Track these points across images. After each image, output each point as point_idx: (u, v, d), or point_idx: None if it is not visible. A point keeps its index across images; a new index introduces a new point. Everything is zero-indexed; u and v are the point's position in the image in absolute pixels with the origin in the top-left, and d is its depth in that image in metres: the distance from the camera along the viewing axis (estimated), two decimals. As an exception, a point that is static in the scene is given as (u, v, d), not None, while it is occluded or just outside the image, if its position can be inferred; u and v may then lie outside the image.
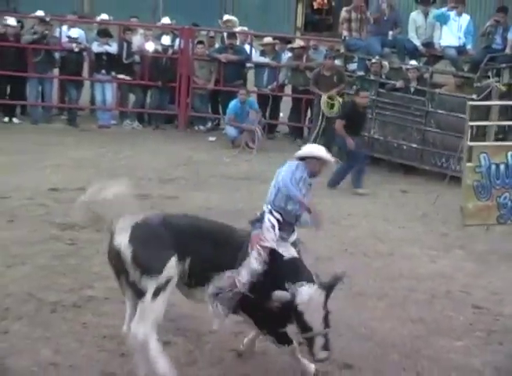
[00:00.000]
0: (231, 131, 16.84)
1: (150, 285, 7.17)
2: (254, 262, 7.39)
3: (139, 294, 7.26)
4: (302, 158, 7.86)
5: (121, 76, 17.68)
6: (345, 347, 8.67)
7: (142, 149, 15.97)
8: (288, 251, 7.68)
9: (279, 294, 7.23)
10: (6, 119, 17.37)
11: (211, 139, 17.30)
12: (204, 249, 7.39)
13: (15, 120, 17.46)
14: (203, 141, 17.10)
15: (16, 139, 15.98)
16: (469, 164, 11.56)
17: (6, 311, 8.97)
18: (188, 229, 7.48)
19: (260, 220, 7.67)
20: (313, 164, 7.78)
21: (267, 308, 7.39)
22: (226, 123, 17.12)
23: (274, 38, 18.32)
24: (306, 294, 7.27)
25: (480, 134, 13.98)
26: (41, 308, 9.13)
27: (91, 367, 7.96)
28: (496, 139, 14.37)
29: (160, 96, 17.91)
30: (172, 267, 7.23)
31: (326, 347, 7.31)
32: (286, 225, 7.74)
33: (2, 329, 8.57)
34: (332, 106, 16.18)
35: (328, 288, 7.45)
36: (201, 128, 17.99)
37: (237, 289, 7.35)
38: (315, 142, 16.03)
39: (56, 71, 17.78)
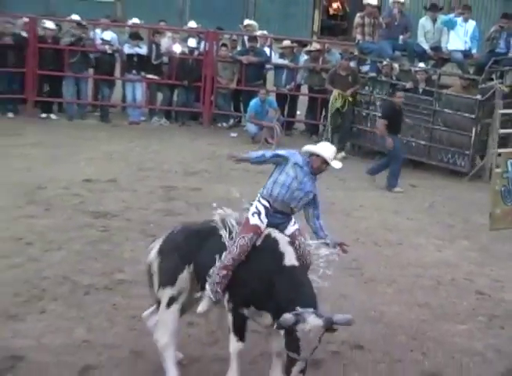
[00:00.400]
0: (251, 127, 16.85)
1: (165, 296, 7.27)
2: (234, 245, 7.12)
3: (158, 302, 7.40)
4: (310, 153, 7.56)
5: (150, 76, 17.71)
6: (356, 329, 8.66)
7: (168, 144, 16.00)
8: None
9: (285, 318, 6.64)
10: (44, 115, 17.44)
11: (233, 135, 17.32)
12: (207, 250, 7.32)
13: (52, 116, 17.52)
14: (225, 137, 17.11)
15: (53, 134, 16.05)
16: (497, 170, 11.25)
17: (43, 292, 9.03)
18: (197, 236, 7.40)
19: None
20: (314, 161, 7.43)
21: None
22: (247, 120, 17.13)
23: (292, 42, 18.29)
24: (311, 324, 6.69)
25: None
26: (75, 290, 9.18)
27: (121, 345, 8.01)
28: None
29: (186, 95, 17.92)
30: (183, 279, 7.25)
31: (303, 372, 6.78)
32: (278, 214, 7.30)
33: (39, 309, 8.64)
34: (338, 102, 16.12)
35: (331, 323, 6.85)
36: (224, 124, 17.99)
37: (223, 271, 7.09)
38: (328, 138, 16.08)
39: (91, 71, 17.83)
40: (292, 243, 7.23)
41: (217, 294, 7.14)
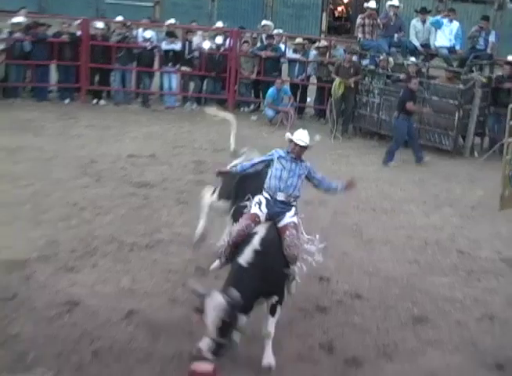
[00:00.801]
0: (269, 112, 16.81)
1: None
2: (233, 229, 7.11)
3: None
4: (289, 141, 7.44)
5: (184, 68, 17.66)
6: (356, 282, 8.72)
7: (199, 125, 15.98)
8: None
9: (193, 285, 6.55)
10: (95, 101, 17.44)
11: (253, 118, 17.26)
12: None
13: (101, 102, 17.51)
14: (247, 120, 17.05)
15: (103, 117, 16.05)
16: (507, 157, 11.04)
17: (94, 249, 9.10)
18: None
19: None
20: (290, 146, 7.33)
21: None
22: (265, 106, 17.08)
23: (304, 39, 18.19)
24: (214, 300, 6.34)
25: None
26: (121, 247, 9.24)
27: (159, 294, 8.07)
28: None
29: (214, 84, 17.88)
30: None
31: (214, 352, 6.06)
32: (279, 203, 7.16)
33: (92, 263, 8.71)
34: (341, 88, 16.02)
35: (234, 307, 6.34)
36: (245, 109, 17.94)
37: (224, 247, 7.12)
38: (333, 121, 16.03)
39: (134, 64, 17.80)
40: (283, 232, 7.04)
41: (222, 260, 7.21)
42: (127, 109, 17.14)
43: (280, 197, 7.18)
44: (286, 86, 17.29)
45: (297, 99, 17.49)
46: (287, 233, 7.05)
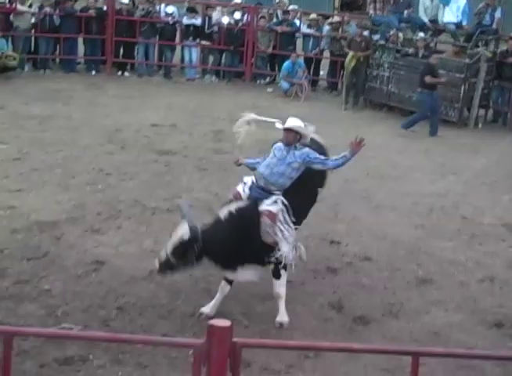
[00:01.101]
0: (284, 84, 16.73)
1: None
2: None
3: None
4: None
5: (204, 42, 17.59)
6: (365, 245, 8.73)
7: (217, 96, 15.93)
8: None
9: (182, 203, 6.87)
10: (119, 73, 17.40)
11: (269, 90, 17.19)
12: None
13: (126, 74, 17.47)
14: (263, 91, 17.01)
15: (127, 88, 16.03)
16: None
17: (119, 212, 9.14)
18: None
19: None
20: (283, 136, 7.04)
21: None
22: (281, 78, 17.00)
23: (318, 15, 18.04)
24: (184, 223, 6.62)
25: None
26: (144, 211, 9.27)
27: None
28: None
29: (232, 57, 17.79)
30: None
31: (161, 266, 6.67)
32: (259, 189, 6.94)
33: (117, 225, 8.75)
34: (353, 62, 15.91)
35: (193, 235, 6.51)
36: (262, 81, 17.87)
37: None
38: (347, 95, 15.94)
39: (157, 38, 17.73)
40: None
41: None
42: (150, 80, 17.10)
43: (260, 182, 6.95)
44: (301, 60, 17.20)
45: (311, 72, 17.40)
46: (261, 220, 6.80)
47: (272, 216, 6.79)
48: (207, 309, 6.95)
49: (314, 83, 17.52)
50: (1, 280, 7.21)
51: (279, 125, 7.13)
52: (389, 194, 10.60)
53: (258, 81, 17.82)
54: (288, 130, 6.99)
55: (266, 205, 6.84)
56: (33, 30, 16.89)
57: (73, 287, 7.21)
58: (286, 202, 6.88)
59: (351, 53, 15.82)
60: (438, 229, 9.44)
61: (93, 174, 10.42)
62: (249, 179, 7.09)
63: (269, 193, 6.92)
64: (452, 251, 8.78)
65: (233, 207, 6.85)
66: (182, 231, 6.57)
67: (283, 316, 6.95)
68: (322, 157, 7.19)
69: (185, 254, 6.54)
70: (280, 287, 6.97)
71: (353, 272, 8.04)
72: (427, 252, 8.67)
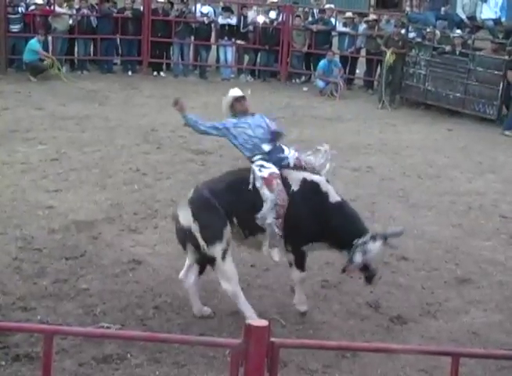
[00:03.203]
0: (320, 83, 16.71)
1: (216, 251, 6.48)
2: (272, 195, 6.48)
3: (211, 259, 6.56)
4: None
5: (239, 41, 17.65)
6: (402, 244, 8.62)
7: (253, 95, 15.83)
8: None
9: (355, 264, 6.47)
10: (155, 73, 17.53)
11: (305, 89, 17.18)
12: (245, 200, 6.54)
13: (162, 74, 17.61)
14: (298, 90, 17.00)
15: (162, 88, 16.12)
16: None
17: (156, 212, 9.16)
18: (229, 191, 6.58)
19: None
20: (234, 108, 6.90)
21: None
22: (316, 77, 16.99)
23: (353, 13, 18.01)
24: (375, 251, 6.48)
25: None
26: (181, 210, 9.26)
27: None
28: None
29: (267, 57, 17.82)
30: (228, 231, 6.51)
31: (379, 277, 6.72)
32: (270, 154, 6.66)
33: (154, 224, 8.78)
34: (392, 58, 15.80)
35: (386, 238, 6.52)
36: (297, 80, 17.88)
37: (278, 220, 6.47)
38: (382, 92, 15.83)
39: (192, 38, 17.80)
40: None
41: (279, 241, 6.60)
42: (185, 80, 17.19)
43: (266, 148, 6.68)
44: (337, 58, 17.17)
45: (347, 70, 17.34)
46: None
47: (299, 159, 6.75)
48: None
49: (349, 82, 17.48)
50: (40, 279, 7.29)
51: (235, 93, 6.97)
52: (426, 193, 10.51)
53: (294, 80, 17.83)
54: (243, 97, 6.94)
55: (291, 156, 6.73)
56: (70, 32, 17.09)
57: (111, 287, 7.25)
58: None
59: (390, 50, 15.72)
60: (477, 229, 9.33)
61: (130, 174, 10.48)
62: (257, 163, 6.63)
63: (278, 146, 6.78)
64: (491, 251, 8.66)
65: (335, 194, 6.64)
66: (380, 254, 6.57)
67: (298, 303, 6.90)
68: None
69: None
70: (294, 273, 6.80)
71: (390, 271, 7.96)
72: (466, 252, 8.57)
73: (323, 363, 6.13)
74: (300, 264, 6.78)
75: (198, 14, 17.59)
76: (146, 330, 6.41)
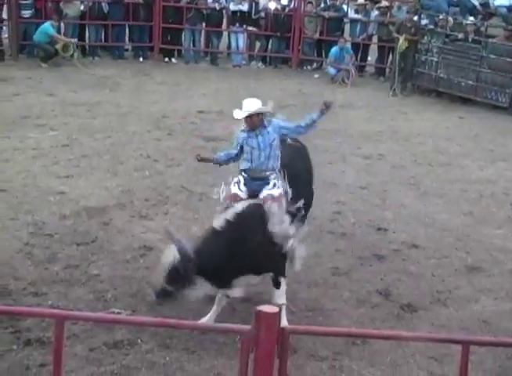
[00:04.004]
0: (331, 70, 16.66)
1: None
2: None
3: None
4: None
5: (250, 28, 17.59)
6: (413, 232, 8.64)
7: (264, 83, 15.90)
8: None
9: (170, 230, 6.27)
10: (166, 59, 17.51)
11: (316, 76, 17.13)
12: None
13: (173, 60, 17.59)
14: (309, 78, 16.95)
15: (174, 75, 16.12)
16: None
17: (166, 198, 9.18)
18: None
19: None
20: (247, 123, 6.49)
21: None
22: (328, 64, 16.93)
23: (365, 0, 17.91)
24: (173, 247, 6.04)
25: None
26: (191, 197, 9.30)
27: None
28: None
29: (279, 43, 17.77)
30: None
31: (157, 294, 6.12)
32: (256, 181, 6.47)
33: (164, 211, 8.80)
34: (405, 45, 15.71)
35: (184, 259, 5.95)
36: (309, 67, 17.82)
37: None
38: (393, 79, 15.77)
39: (203, 24, 17.76)
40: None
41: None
42: (196, 67, 17.17)
43: (255, 174, 6.44)
44: (348, 45, 17.10)
45: (358, 57, 17.28)
46: (266, 205, 6.28)
47: (277, 199, 6.35)
48: (203, 320, 6.41)
49: (361, 69, 17.42)
50: (52, 264, 7.32)
51: (237, 115, 6.53)
52: (437, 181, 10.48)
53: (305, 67, 17.78)
54: (249, 116, 6.48)
55: (267, 190, 6.38)
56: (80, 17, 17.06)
57: (122, 272, 7.27)
58: (284, 183, 6.48)
59: (402, 37, 15.62)
60: (488, 217, 9.29)
61: (141, 160, 10.49)
62: (239, 177, 6.53)
63: (267, 179, 6.45)
64: (502, 239, 8.63)
65: (229, 214, 6.23)
66: (170, 254, 5.98)
67: (283, 323, 6.12)
68: (293, 124, 6.67)
69: (180, 277, 5.91)
70: (281, 296, 6.46)
71: (400, 259, 7.96)
72: (476, 240, 8.54)
73: (333, 350, 6.14)
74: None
75: (209, 0, 17.53)
76: (157, 315, 6.43)
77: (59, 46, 16.03)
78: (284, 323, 6.25)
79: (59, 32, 16.35)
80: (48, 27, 16.02)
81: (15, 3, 16.24)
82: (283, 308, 6.33)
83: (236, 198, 6.46)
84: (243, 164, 6.55)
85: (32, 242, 7.75)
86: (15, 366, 5.69)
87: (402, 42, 15.60)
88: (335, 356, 6.11)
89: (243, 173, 6.56)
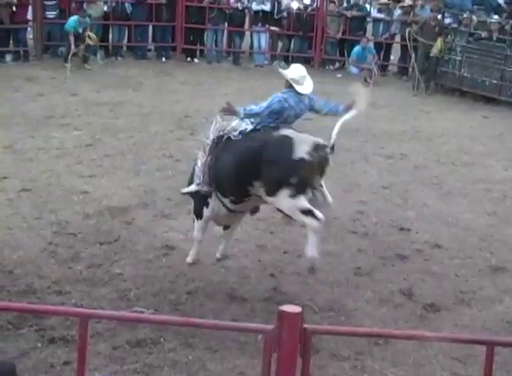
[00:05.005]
0: (353, 69, 16.64)
1: None
2: None
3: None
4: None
5: (273, 28, 17.61)
6: (436, 232, 8.59)
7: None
8: None
9: None
10: (189, 59, 17.57)
11: (338, 75, 17.08)
12: None
13: (195, 60, 17.64)
14: (332, 77, 16.89)
15: (196, 74, 16.15)
16: None
17: (189, 198, 9.05)
18: None
19: None
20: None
21: None
22: (350, 64, 16.90)
23: (388, -1, 17.88)
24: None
25: None
26: (213, 196, 9.26)
27: (248, 240, 8.10)
28: None
29: (301, 43, 17.76)
30: None
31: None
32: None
33: (187, 210, 8.64)
34: (442, 48, 15.61)
35: None
36: (331, 67, 17.79)
37: None
38: (418, 80, 15.70)
39: (226, 24, 17.79)
40: None
41: None
42: (218, 67, 17.20)
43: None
44: (371, 45, 17.04)
45: (381, 57, 17.22)
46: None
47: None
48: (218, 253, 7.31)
49: (384, 68, 17.36)
50: (75, 263, 7.37)
51: (307, 89, 6.88)
52: (460, 181, 10.41)
53: (327, 67, 17.75)
54: None
55: None
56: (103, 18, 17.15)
57: (144, 272, 7.30)
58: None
59: (439, 41, 15.47)
60: (511, 217, 9.23)
61: (163, 160, 10.52)
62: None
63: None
64: (527, 240, 8.56)
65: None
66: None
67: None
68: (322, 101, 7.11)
69: None
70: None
71: (423, 259, 7.92)
72: (500, 240, 8.48)
73: (355, 350, 6.13)
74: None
75: (232, 0, 17.56)
76: (179, 314, 6.45)
77: (82, 46, 16.04)
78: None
79: (84, 29, 16.19)
80: (72, 21, 15.88)
81: (40, 4, 16.37)
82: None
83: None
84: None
85: (56, 241, 7.80)
86: (39, 364, 5.74)
87: (439, 45, 15.43)
88: (357, 356, 6.09)
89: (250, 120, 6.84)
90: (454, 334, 5.92)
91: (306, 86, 6.85)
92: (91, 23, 16.74)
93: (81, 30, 15.88)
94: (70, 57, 15.83)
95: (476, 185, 10.27)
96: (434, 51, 15.54)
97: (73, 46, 15.74)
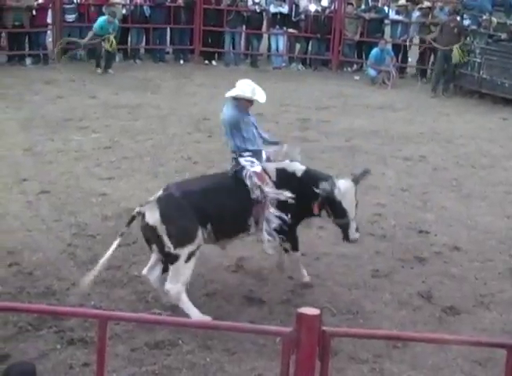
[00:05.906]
0: (371, 72, 16.58)
1: (183, 253, 6.38)
2: (270, 192, 6.64)
3: (173, 259, 6.41)
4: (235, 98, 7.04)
5: (290, 30, 17.61)
6: (455, 234, 8.55)
7: (304, 84, 15.88)
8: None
9: (324, 185, 6.54)
10: (207, 62, 17.61)
11: (356, 78, 17.06)
12: (222, 206, 6.54)
13: (213, 62, 17.67)
14: (350, 79, 16.89)
15: (213, 77, 16.16)
16: None
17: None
18: (203, 195, 6.53)
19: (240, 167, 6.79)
20: (245, 104, 7.11)
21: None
22: (368, 66, 16.85)
23: (407, 0, 17.77)
24: (343, 185, 6.66)
25: None
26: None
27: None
28: None
29: (319, 45, 17.74)
30: (200, 236, 6.45)
31: (357, 229, 6.77)
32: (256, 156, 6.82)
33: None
34: (460, 55, 15.54)
35: (357, 181, 6.81)
36: (349, 69, 17.77)
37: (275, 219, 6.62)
38: (437, 81, 15.64)
39: (244, 27, 17.81)
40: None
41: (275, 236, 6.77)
42: (236, 69, 17.20)
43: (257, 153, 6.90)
44: (389, 47, 17.01)
45: (399, 59, 17.18)
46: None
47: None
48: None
49: (402, 70, 17.32)
50: (94, 265, 7.33)
51: (263, 99, 7.17)
52: (479, 183, 10.35)
53: (345, 69, 17.74)
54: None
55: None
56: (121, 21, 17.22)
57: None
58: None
59: (456, 48, 15.39)
60: (532, 220, 9.15)
61: (181, 162, 10.54)
62: (246, 159, 6.79)
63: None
64: (548, 242, 8.49)
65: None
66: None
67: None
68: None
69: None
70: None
71: (442, 262, 7.88)
72: (520, 243, 8.41)
73: (374, 353, 6.10)
74: (296, 246, 7.04)
75: (250, 3, 17.60)
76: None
77: (107, 45, 15.97)
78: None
79: (113, 30, 16.13)
80: (102, 21, 15.86)
81: (59, 7, 16.47)
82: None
83: (264, 175, 6.72)
84: (249, 144, 6.83)
85: (75, 243, 7.84)
86: (59, 365, 5.76)
87: (457, 54, 15.35)
88: (376, 358, 6.07)
89: (246, 155, 6.79)
90: (473, 337, 5.87)
91: (259, 93, 7.19)
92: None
93: (110, 30, 15.86)
94: (100, 62, 15.95)
95: (495, 187, 10.20)
96: (454, 60, 15.44)
97: (86, 40, 15.86)
